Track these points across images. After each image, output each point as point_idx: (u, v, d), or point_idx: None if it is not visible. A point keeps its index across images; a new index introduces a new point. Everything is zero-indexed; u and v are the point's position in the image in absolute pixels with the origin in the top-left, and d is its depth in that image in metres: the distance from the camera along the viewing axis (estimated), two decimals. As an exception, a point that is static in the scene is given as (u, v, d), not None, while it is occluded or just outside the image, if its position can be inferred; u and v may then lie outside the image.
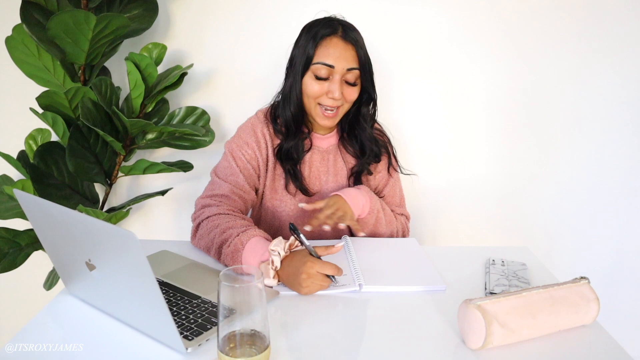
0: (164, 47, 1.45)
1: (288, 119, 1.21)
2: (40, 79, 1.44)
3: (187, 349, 0.73)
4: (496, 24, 1.58)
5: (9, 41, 1.39)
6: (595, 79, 1.64)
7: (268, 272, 0.93)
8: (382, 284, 0.96)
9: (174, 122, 1.53)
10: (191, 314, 0.83)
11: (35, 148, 1.46)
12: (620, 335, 0.91)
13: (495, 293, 0.90)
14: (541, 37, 1.60)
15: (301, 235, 0.95)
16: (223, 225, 1.04)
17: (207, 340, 0.76)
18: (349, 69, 1.14)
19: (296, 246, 0.97)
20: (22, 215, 1.40)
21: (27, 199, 0.78)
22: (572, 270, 1.77)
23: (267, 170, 1.23)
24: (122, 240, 0.67)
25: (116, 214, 1.43)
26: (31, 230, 1.43)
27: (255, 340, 0.65)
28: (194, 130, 1.45)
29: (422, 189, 1.36)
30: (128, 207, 1.51)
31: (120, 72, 1.57)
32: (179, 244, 1.13)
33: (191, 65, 1.48)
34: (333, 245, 0.96)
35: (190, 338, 0.76)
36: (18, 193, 0.78)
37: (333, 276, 0.93)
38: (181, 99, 1.62)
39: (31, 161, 1.41)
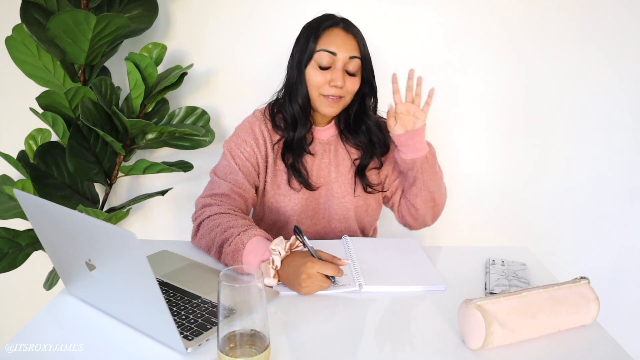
0: (164, 47, 1.45)
1: (296, 112, 1.21)
2: (40, 79, 1.44)
3: (187, 349, 0.73)
4: (496, 23, 1.58)
5: (9, 41, 1.39)
6: (595, 79, 1.64)
7: (268, 271, 0.93)
8: (382, 284, 0.96)
9: (174, 122, 1.53)
10: (191, 314, 0.83)
11: (35, 148, 1.46)
12: (620, 335, 0.91)
13: (495, 293, 0.90)
14: (541, 36, 1.60)
15: (304, 238, 0.95)
16: (224, 225, 1.04)
17: (207, 340, 0.76)
18: (351, 57, 1.16)
19: (297, 246, 0.97)
20: (22, 215, 1.40)
21: (27, 199, 0.78)
22: (572, 270, 1.77)
23: (267, 167, 1.24)
24: (122, 240, 0.67)
25: (116, 214, 1.43)
26: (31, 230, 1.43)
27: (255, 340, 0.65)
28: (194, 130, 1.45)
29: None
30: (128, 207, 1.51)
31: (120, 72, 1.57)
32: (179, 244, 1.13)
33: (191, 65, 1.48)
34: (339, 258, 0.96)
35: (190, 338, 0.76)
36: (18, 193, 0.78)
37: (333, 277, 0.93)
38: (181, 99, 1.62)
39: (31, 161, 1.41)
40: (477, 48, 1.61)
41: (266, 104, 1.29)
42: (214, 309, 0.84)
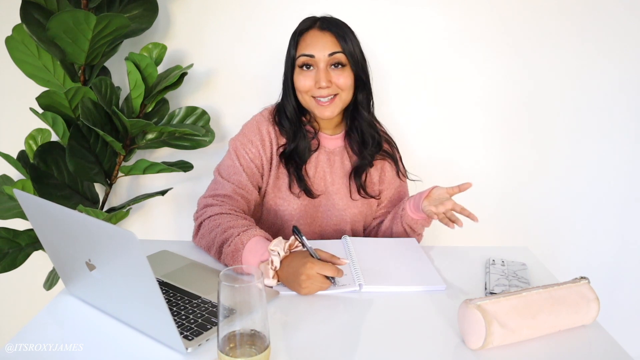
0: (164, 47, 1.45)
1: (287, 127, 1.22)
2: (40, 79, 1.44)
3: (187, 349, 0.73)
4: (496, 24, 1.58)
5: (9, 41, 1.39)
6: (595, 79, 1.64)
7: (268, 272, 0.93)
8: (382, 284, 0.96)
9: (174, 122, 1.53)
10: (191, 314, 0.83)
11: (35, 148, 1.46)
12: (620, 335, 0.91)
13: (495, 293, 0.90)
14: (541, 37, 1.60)
15: (303, 238, 0.95)
16: (224, 225, 1.04)
17: (207, 340, 0.76)
18: (331, 54, 1.15)
19: (296, 247, 0.97)
20: (22, 215, 1.40)
21: (27, 199, 0.78)
22: (572, 270, 1.77)
23: (270, 169, 1.23)
24: (122, 240, 0.67)
25: (116, 214, 1.43)
26: (31, 230, 1.43)
27: (255, 340, 0.65)
28: (194, 130, 1.45)
29: (422, 189, 1.37)
30: (128, 207, 1.51)
31: (120, 72, 1.57)
32: (179, 244, 1.13)
33: (191, 65, 1.48)
34: (338, 258, 0.96)
35: (190, 338, 0.76)
36: (18, 193, 0.78)
37: (333, 277, 0.93)
38: (181, 99, 1.62)
39: (31, 161, 1.41)
40: (477, 48, 1.61)
41: (275, 104, 1.29)
42: (214, 309, 0.84)
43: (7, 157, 1.43)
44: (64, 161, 1.40)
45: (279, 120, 1.24)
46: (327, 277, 0.92)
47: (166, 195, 1.56)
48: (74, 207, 1.39)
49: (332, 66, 1.16)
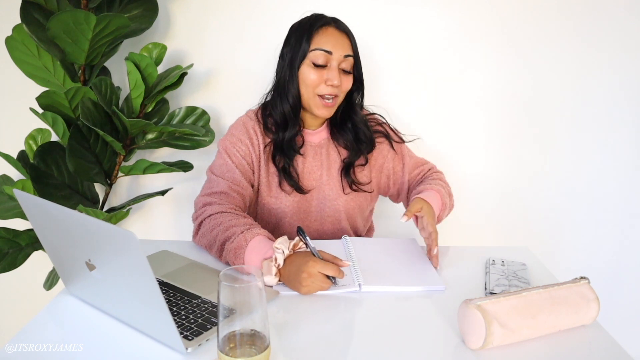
0: (164, 47, 1.45)
1: (287, 112, 1.21)
2: (40, 79, 1.44)
3: (187, 349, 0.73)
4: (496, 24, 1.58)
5: (9, 41, 1.39)
6: (596, 79, 1.64)
7: (270, 269, 0.93)
8: (382, 285, 0.96)
9: (174, 122, 1.53)
10: (191, 314, 0.83)
11: (35, 148, 1.46)
12: (620, 335, 0.91)
13: (495, 293, 0.90)
14: (541, 36, 1.60)
15: (307, 238, 0.95)
16: (226, 224, 1.04)
17: (207, 340, 0.76)
18: (346, 56, 1.17)
19: (300, 247, 0.97)
20: (22, 215, 1.40)
21: (27, 199, 0.78)
22: (572, 270, 1.77)
23: (260, 167, 1.24)
24: (122, 240, 0.67)
25: (116, 214, 1.43)
26: (31, 230, 1.43)
27: (255, 340, 0.65)
28: (194, 130, 1.45)
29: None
30: (128, 207, 1.51)
31: (120, 72, 1.57)
32: (179, 244, 1.14)
33: (191, 65, 1.48)
34: (341, 260, 0.96)
35: (190, 338, 0.76)
36: (18, 193, 0.78)
37: (333, 278, 0.93)
38: (181, 99, 1.62)
39: (31, 161, 1.41)
40: (477, 48, 1.61)
41: (258, 106, 1.29)
42: (214, 309, 0.84)
43: (7, 157, 1.43)
44: (64, 161, 1.40)
45: (269, 114, 1.24)
46: (328, 277, 0.92)
47: (166, 195, 1.56)
48: (74, 207, 1.39)
49: (342, 70, 1.18)
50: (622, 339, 0.87)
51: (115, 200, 1.70)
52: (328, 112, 1.20)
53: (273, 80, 1.26)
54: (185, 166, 1.51)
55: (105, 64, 1.52)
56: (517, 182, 1.73)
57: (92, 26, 1.27)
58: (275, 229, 1.27)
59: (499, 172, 1.72)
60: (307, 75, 1.17)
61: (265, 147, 1.24)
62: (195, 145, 1.50)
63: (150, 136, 1.51)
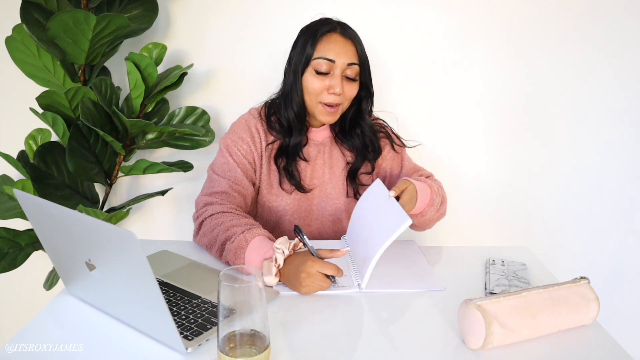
0: (164, 47, 1.45)
1: (291, 119, 1.21)
2: (40, 79, 1.44)
3: (187, 349, 0.73)
4: (496, 24, 1.58)
5: (9, 41, 1.39)
6: (596, 79, 1.64)
7: (270, 269, 0.93)
8: (381, 287, 0.96)
9: (174, 122, 1.53)
10: (191, 314, 0.83)
11: (35, 148, 1.46)
12: (620, 335, 0.91)
13: (495, 293, 0.90)
14: (541, 36, 1.60)
15: (304, 237, 0.95)
16: (227, 223, 1.04)
17: (207, 340, 0.76)
18: (349, 64, 1.16)
19: (300, 248, 0.97)
20: (22, 215, 1.40)
21: (27, 199, 0.78)
22: (572, 270, 1.77)
23: (261, 165, 1.24)
24: (122, 240, 0.67)
25: (116, 214, 1.43)
26: (31, 230, 1.43)
27: (255, 340, 0.65)
28: (194, 130, 1.45)
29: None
30: (128, 207, 1.51)
31: (120, 72, 1.57)
32: (179, 244, 1.14)
33: (191, 65, 1.48)
34: (338, 250, 0.96)
35: (190, 338, 0.76)
36: (18, 193, 0.78)
37: (333, 277, 0.93)
38: (181, 99, 1.62)
39: (31, 161, 1.41)
40: (477, 48, 1.61)
41: (262, 103, 1.29)
42: (214, 309, 0.84)
43: (7, 157, 1.43)
44: (64, 161, 1.40)
45: (273, 113, 1.24)
46: (328, 277, 0.92)
47: (166, 195, 1.56)
48: (74, 207, 1.39)
49: (346, 78, 1.17)
50: (622, 339, 0.87)
51: (115, 200, 1.70)
52: (332, 118, 1.20)
53: (281, 83, 1.25)
54: (185, 166, 1.51)
55: (105, 64, 1.52)
56: (517, 182, 1.73)
57: (92, 26, 1.27)
58: (275, 228, 1.27)
59: (499, 172, 1.72)
60: (310, 83, 1.17)
61: (267, 145, 1.24)
62: (195, 145, 1.50)
63: (150, 136, 1.51)
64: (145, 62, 1.39)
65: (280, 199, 1.24)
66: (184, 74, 1.45)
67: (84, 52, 1.35)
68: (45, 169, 1.38)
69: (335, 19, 1.21)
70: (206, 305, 0.86)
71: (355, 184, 1.28)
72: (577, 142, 1.69)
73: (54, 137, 1.50)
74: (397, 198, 1.05)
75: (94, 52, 1.37)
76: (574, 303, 0.81)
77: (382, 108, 1.42)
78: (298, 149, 1.23)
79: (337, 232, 1.29)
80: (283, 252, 0.93)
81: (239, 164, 1.19)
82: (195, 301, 0.87)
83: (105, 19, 1.26)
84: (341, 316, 0.87)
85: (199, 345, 0.75)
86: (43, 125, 1.52)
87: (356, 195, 1.28)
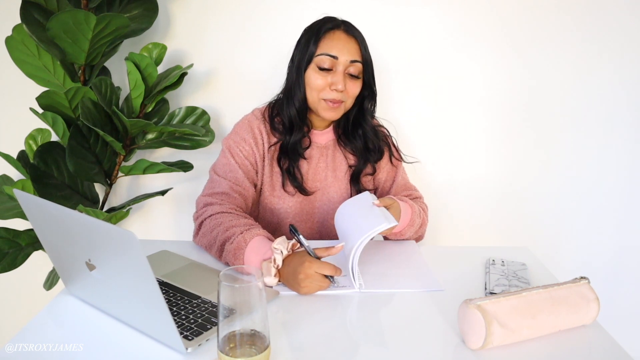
0: (164, 47, 1.45)
1: (293, 116, 1.21)
2: (40, 79, 1.44)
3: (187, 349, 0.73)
4: (496, 23, 1.59)
5: (9, 41, 1.39)
6: (596, 79, 1.64)
7: (270, 269, 0.93)
8: (380, 287, 0.96)
9: (174, 122, 1.53)
10: (191, 314, 0.83)
11: (35, 148, 1.46)
12: (620, 335, 0.91)
13: (495, 293, 0.90)
14: (541, 36, 1.60)
15: (300, 236, 0.95)
16: (226, 224, 1.04)
17: (207, 340, 0.76)
18: (352, 61, 1.16)
19: (298, 247, 0.97)
20: (22, 215, 1.40)
21: (27, 199, 0.78)
22: (572, 270, 1.77)
23: (263, 166, 1.24)
24: (122, 240, 0.67)
25: (116, 214, 1.43)
26: (31, 230, 1.43)
27: (255, 340, 0.65)
28: (194, 130, 1.45)
29: (422, 189, 1.37)
30: (128, 207, 1.51)
31: (120, 72, 1.57)
32: (179, 244, 1.13)
33: (191, 65, 1.48)
34: (333, 247, 0.96)
35: (190, 338, 0.76)
36: (18, 193, 0.78)
37: (332, 277, 0.93)
38: (181, 99, 1.62)
39: (31, 161, 1.41)
40: (477, 48, 1.61)
41: (266, 104, 1.29)
42: (214, 309, 0.84)
43: (7, 157, 1.43)
44: (64, 161, 1.40)
45: (277, 114, 1.24)
46: (327, 276, 0.92)
47: (166, 195, 1.56)
48: (74, 207, 1.39)
49: (349, 75, 1.17)
50: (622, 339, 0.87)
51: (115, 200, 1.70)
52: (335, 114, 1.20)
53: (284, 82, 1.25)
54: (185, 166, 1.51)
55: (105, 64, 1.52)
56: (517, 182, 1.73)
57: (92, 26, 1.27)
58: (277, 230, 1.27)
59: (499, 172, 1.72)
60: (313, 79, 1.16)
61: (270, 147, 1.23)
62: (195, 145, 1.50)
63: (150, 136, 1.51)
64: (145, 62, 1.39)
65: (283, 201, 1.24)
66: (184, 74, 1.45)
67: (84, 52, 1.35)
68: (45, 169, 1.38)
69: (339, 18, 1.21)
70: (206, 305, 0.86)
71: (358, 187, 1.27)
72: (577, 142, 1.69)
73: (54, 137, 1.50)
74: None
75: (94, 52, 1.37)
76: (574, 303, 0.81)
77: (382, 108, 1.42)
78: (298, 147, 1.23)
79: (336, 237, 1.29)
80: (281, 252, 0.93)
81: (241, 165, 1.19)
82: (195, 301, 0.87)
83: (105, 19, 1.26)
84: (341, 316, 0.87)
85: (199, 345, 0.75)
86: (43, 125, 1.52)
87: None
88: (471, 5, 1.57)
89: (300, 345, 0.77)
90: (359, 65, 1.17)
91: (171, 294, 0.89)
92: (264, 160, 1.23)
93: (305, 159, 1.25)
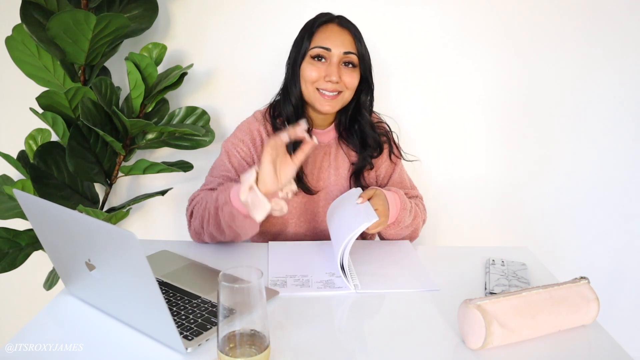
0: (164, 47, 1.45)
1: (290, 114, 1.21)
2: (40, 79, 1.44)
3: (187, 349, 0.73)
4: (496, 23, 1.59)
5: (9, 41, 1.39)
6: (595, 79, 1.64)
7: (249, 181, 0.94)
8: (377, 288, 0.96)
9: (174, 122, 1.53)
10: (191, 314, 0.83)
11: (35, 148, 1.46)
12: (620, 335, 0.91)
13: (495, 293, 0.90)
14: (540, 36, 1.60)
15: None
16: (210, 197, 1.07)
17: (207, 340, 0.76)
18: (346, 53, 1.15)
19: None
20: (22, 215, 1.40)
21: (27, 199, 0.78)
22: (572, 270, 1.77)
23: None
24: (122, 240, 0.67)
25: (116, 214, 1.43)
26: (31, 230, 1.43)
27: (255, 340, 0.65)
28: (194, 130, 1.45)
29: (422, 189, 1.37)
30: (128, 207, 1.51)
31: (120, 72, 1.57)
32: (179, 244, 1.14)
33: (191, 65, 1.48)
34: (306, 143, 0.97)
35: (190, 338, 0.76)
36: (18, 193, 0.78)
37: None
38: (181, 99, 1.62)
39: (31, 161, 1.41)
40: (476, 48, 1.61)
41: (267, 105, 1.29)
42: (214, 309, 0.84)
43: (7, 157, 1.43)
44: (64, 161, 1.40)
45: (278, 114, 1.24)
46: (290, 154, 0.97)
47: (166, 195, 1.56)
48: (74, 207, 1.39)
49: (344, 64, 1.17)
50: (622, 339, 0.87)
51: (115, 200, 1.70)
52: (331, 107, 1.18)
53: (282, 81, 1.26)
54: (185, 166, 1.51)
55: (105, 64, 1.52)
56: (517, 181, 1.73)
57: (92, 26, 1.27)
58: (281, 231, 1.27)
59: (499, 171, 1.72)
60: (307, 71, 1.16)
61: None
62: (195, 145, 1.50)
63: (150, 136, 1.51)
64: (145, 62, 1.39)
65: (286, 201, 1.23)
66: (184, 74, 1.45)
67: (84, 52, 1.35)
68: (45, 169, 1.38)
69: (334, 14, 1.21)
70: (206, 305, 0.86)
71: (360, 184, 1.27)
72: (577, 141, 1.69)
73: (54, 137, 1.50)
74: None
75: (94, 52, 1.37)
76: (574, 303, 0.81)
77: (381, 108, 1.42)
78: (299, 144, 1.23)
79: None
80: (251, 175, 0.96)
81: (236, 167, 1.20)
82: (195, 301, 0.87)
83: (105, 19, 1.26)
84: (341, 316, 0.87)
85: (199, 345, 0.75)
86: (43, 125, 1.52)
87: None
88: (471, 6, 1.57)
89: (300, 345, 0.77)
90: (354, 57, 1.17)
91: (171, 294, 0.89)
92: None
93: (308, 158, 1.25)
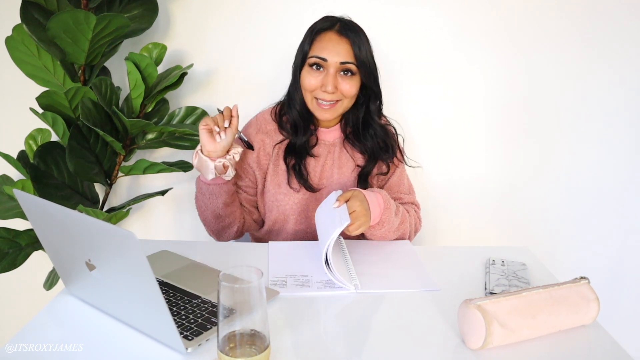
0: (164, 47, 1.45)
1: (296, 118, 1.23)
2: (40, 79, 1.44)
3: (187, 349, 0.73)
4: (497, 23, 1.58)
5: (9, 41, 1.39)
6: (595, 79, 1.64)
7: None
8: (377, 288, 0.96)
9: (174, 122, 1.53)
10: (191, 314, 0.83)
11: (35, 148, 1.46)
12: (620, 335, 0.91)
13: (495, 293, 0.90)
14: (542, 36, 1.60)
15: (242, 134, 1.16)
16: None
17: (207, 340, 0.76)
18: (343, 63, 1.15)
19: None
20: (22, 215, 1.40)
21: (27, 199, 0.78)
22: (572, 270, 1.77)
23: (268, 164, 1.25)
24: (122, 240, 0.67)
25: (116, 214, 1.43)
26: (31, 230, 1.43)
27: (255, 340, 0.65)
28: (194, 130, 1.45)
29: (422, 189, 1.37)
30: (128, 207, 1.51)
31: (120, 72, 1.57)
32: (179, 244, 1.14)
33: (191, 65, 1.48)
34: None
35: (190, 338, 0.76)
36: (18, 193, 0.78)
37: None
38: (181, 99, 1.62)
39: (31, 161, 1.41)
40: (477, 48, 1.61)
41: (274, 105, 1.30)
42: (214, 309, 0.84)
43: (7, 157, 1.43)
44: (64, 161, 1.40)
45: (285, 112, 1.25)
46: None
47: (166, 195, 1.56)
48: (74, 207, 1.39)
49: (342, 72, 1.17)
50: (622, 339, 0.87)
51: (115, 200, 1.70)
52: (329, 115, 1.20)
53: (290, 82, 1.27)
54: (185, 166, 1.51)
55: (105, 64, 1.52)
56: (517, 182, 1.73)
57: (92, 26, 1.27)
58: (282, 227, 1.27)
59: (499, 172, 1.72)
60: (306, 80, 1.18)
61: (276, 145, 1.25)
62: (195, 145, 1.50)
63: (150, 136, 1.51)
64: (145, 62, 1.39)
65: (288, 198, 1.24)
66: (184, 74, 1.45)
67: (84, 52, 1.35)
68: (45, 169, 1.38)
69: (339, 16, 1.21)
70: (206, 305, 0.86)
71: (364, 186, 1.27)
72: (577, 141, 1.69)
73: (54, 137, 1.50)
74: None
75: (94, 52, 1.37)
76: (574, 303, 0.81)
77: (384, 108, 1.42)
78: (306, 146, 1.24)
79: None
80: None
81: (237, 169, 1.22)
82: (195, 301, 0.87)
83: (105, 19, 1.26)
84: (341, 316, 0.87)
85: (199, 345, 0.75)
86: (43, 125, 1.52)
87: None
88: (471, 6, 1.57)
89: (300, 345, 0.77)
90: (352, 67, 1.16)
91: (171, 294, 0.89)
92: (268, 159, 1.25)
93: (313, 156, 1.25)
